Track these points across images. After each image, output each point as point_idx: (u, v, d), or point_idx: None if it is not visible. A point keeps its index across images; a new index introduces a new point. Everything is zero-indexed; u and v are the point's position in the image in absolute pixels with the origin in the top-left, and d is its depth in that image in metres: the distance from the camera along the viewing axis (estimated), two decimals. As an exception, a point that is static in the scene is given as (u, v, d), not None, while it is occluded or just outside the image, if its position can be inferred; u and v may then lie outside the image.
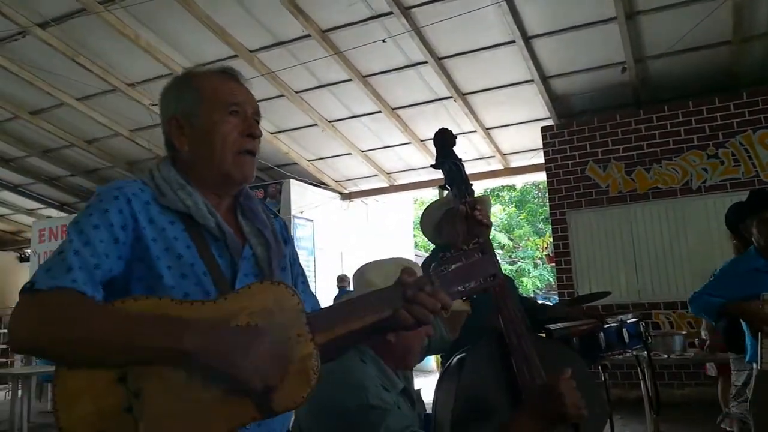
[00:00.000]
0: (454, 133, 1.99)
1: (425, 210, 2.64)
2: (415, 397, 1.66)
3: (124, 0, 6.29)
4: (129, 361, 0.98)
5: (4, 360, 11.22)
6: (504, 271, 1.78)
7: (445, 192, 1.89)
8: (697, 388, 5.90)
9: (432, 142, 1.97)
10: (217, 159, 1.21)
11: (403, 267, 1.17)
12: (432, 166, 1.97)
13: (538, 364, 1.57)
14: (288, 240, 1.37)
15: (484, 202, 1.97)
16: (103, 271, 1.07)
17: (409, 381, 1.68)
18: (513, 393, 1.56)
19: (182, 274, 1.12)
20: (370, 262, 1.72)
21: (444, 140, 1.93)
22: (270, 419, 1.05)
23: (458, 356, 1.69)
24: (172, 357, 0.99)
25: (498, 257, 1.74)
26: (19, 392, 6.58)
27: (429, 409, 1.69)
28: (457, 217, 1.80)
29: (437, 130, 1.97)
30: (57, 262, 1.05)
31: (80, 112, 8.38)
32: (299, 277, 1.36)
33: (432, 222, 2.57)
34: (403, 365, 1.62)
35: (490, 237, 2.14)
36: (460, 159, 1.93)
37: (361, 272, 1.69)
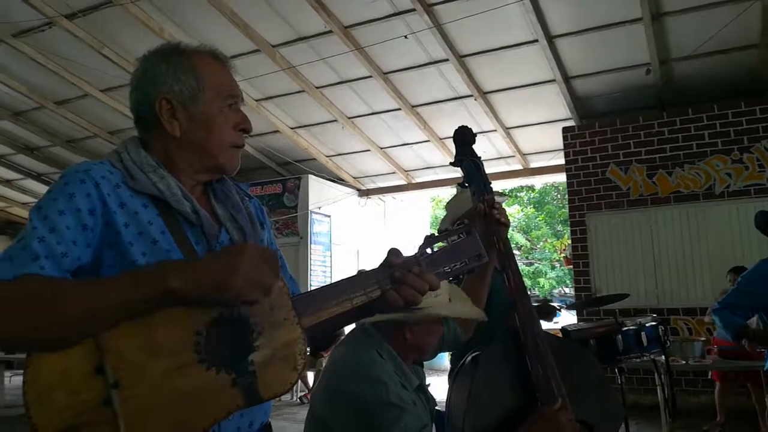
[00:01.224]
0: (474, 131, 1.97)
1: (453, 198, 2.54)
2: (429, 393, 1.66)
3: (149, -7, 6.38)
4: (114, 318, 0.94)
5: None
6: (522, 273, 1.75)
7: (458, 189, 1.88)
8: (713, 396, 5.80)
9: (451, 140, 1.95)
10: (212, 150, 1.18)
11: (390, 249, 1.17)
12: (451, 163, 1.95)
13: (554, 364, 1.55)
14: (265, 223, 1.32)
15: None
16: (71, 260, 1.01)
17: (421, 377, 1.68)
18: (527, 393, 1.54)
19: (158, 260, 1.06)
20: None
21: (463, 137, 1.91)
22: (253, 408, 1.02)
23: (472, 355, 1.68)
24: (161, 301, 0.95)
25: (516, 257, 1.73)
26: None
27: (440, 407, 1.69)
28: (475, 215, 1.78)
29: (457, 128, 1.95)
30: (19, 251, 0.98)
31: (104, 103, 8.49)
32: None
33: (454, 216, 2.50)
34: (415, 361, 1.62)
35: (510, 235, 2.10)
36: (480, 157, 1.92)
37: None
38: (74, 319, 0.93)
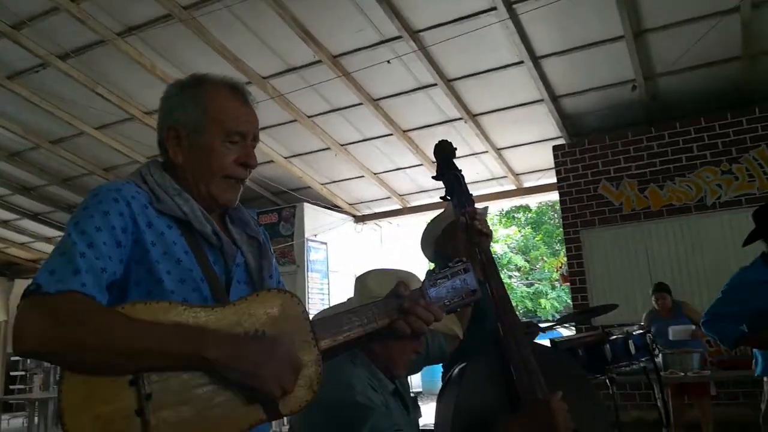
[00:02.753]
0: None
1: (426, 227, 2.63)
2: (409, 400, 1.66)
3: (140, 31, 6.49)
4: (145, 368, 0.97)
5: (22, 386, 11.30)
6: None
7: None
8: (716, 409, 5.75)
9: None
10: (207, 180, 1.22)
11: (399, 280, 1.26)
12: (433, 177, 2.00)
13: (538, 370, 1.56)
14: (269, 248, 1.38)
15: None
16: (108, 275, 1.05)
17: (405, 387, 1.69)
18: (513, 401, 1.55)
19: (181, 279, 1.13)
20: (372, 270, 1.75)
21: (443, 152, 1.96)
22: (259, 427, 1.08)
23: (459, 367, 1.69)
24: (192, 365, 1.00)
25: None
26: (36, 419, 6.63)
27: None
28: (456, 229, 1.81)
29: (436, 143, 2.00)
30: (61, 264, 1.01)
31: (99, 141, 8.56)
32: (279, 285, 1.37)
33: (432, 237, 2.55)
34: (388, 372, 1.64)
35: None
36: (460, 170, 1.96)
37: (363, 278, 1.72)
38: (114, 351, 0.97)
